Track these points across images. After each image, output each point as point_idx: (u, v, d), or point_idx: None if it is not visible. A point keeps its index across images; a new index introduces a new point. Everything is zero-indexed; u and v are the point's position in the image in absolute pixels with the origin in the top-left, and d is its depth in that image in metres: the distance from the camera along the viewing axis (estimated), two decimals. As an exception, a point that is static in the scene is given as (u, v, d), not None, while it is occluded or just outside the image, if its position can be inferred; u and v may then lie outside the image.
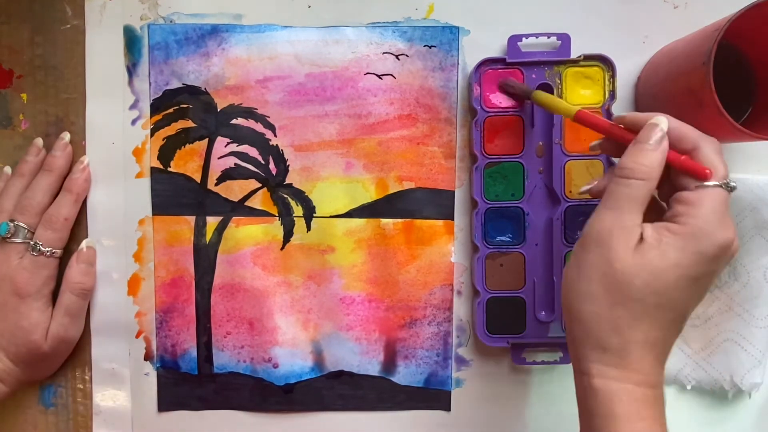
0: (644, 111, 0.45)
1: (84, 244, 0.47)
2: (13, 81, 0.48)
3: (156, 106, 0.47)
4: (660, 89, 0.44)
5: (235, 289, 0.48)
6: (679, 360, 0.47)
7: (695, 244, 0.32)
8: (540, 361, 0.47)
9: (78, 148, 0.47)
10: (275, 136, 0.47)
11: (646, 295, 0.32)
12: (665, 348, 0.34)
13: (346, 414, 0.48)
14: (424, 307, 0.48)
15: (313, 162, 0.47)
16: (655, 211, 0.35)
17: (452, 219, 0.47)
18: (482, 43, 0.46)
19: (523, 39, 0.45)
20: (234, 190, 0.48)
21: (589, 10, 0.46)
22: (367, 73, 0.47)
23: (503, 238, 0.46)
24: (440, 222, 0.47)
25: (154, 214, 0.48)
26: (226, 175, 0.47)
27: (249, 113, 0.47)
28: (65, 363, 0.48)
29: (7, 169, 0.48)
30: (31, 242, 0.45)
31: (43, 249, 0.45)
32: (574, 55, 0.45)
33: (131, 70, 0.47)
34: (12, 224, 0.44)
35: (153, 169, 0.47)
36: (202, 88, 0.47)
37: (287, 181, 0.47)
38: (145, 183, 0.48)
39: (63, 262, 0.47)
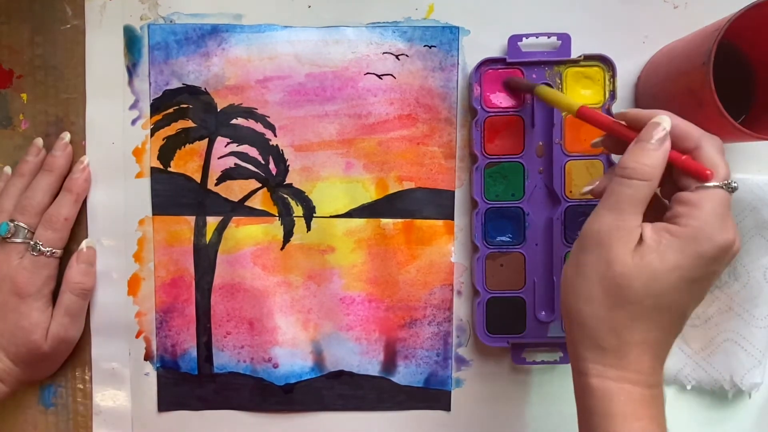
0: (644, 111, 0.45)
1: (84, 244, 0.47)
2: (13, 81, 0.48)
3: (156, 106, 0.47)
4: (660, 89, 0.44)
5: (235, 289, 0.48)
6: (679, 360, 0.47)
7: (695, 246, 0.32)
8: (540, 361, 0.47)
9: (78, 148, 0.48)
10: (275, 136, 0.47)
11: (644, 297, 0.32)
12: (664, 348, 0.34)
13: (346, 414, 0.48)
14: (424, 307, 0.48)
15: (313, 162, 0.47)
16: (658, 209, 0.35)
17: (452, 219, 0.47)
18: (482, 43, 0.46)
19: (524, 39, 0.45)
20: (234, 190, 0.48)
21: (589, 10, 0.46)
22: (367, 73, 0.47)
23: (503, 238, 0.46)
24: (440, 222, 0.47)
25: (154, 214, 0.48)
26: (226, 175, 0.47)
27: (249, 113, 0.47)
28: (65, 363, 0.48)
29: (7, 169, 0.48)
30: (32, 242, 0.45)
31: (43, 249, 0.45)
32: (574, 55, 0.45)
33: (131, 70, 0.47)
34: (12, 224, 0.44)
35: (153, 169, 0.47)
36: (202, 88, 0.47)
37: (287, 181, 0.47)
38: (145, 183, 0.48)
39: (63, 262, 0.47)
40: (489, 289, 0.46)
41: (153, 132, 0.47)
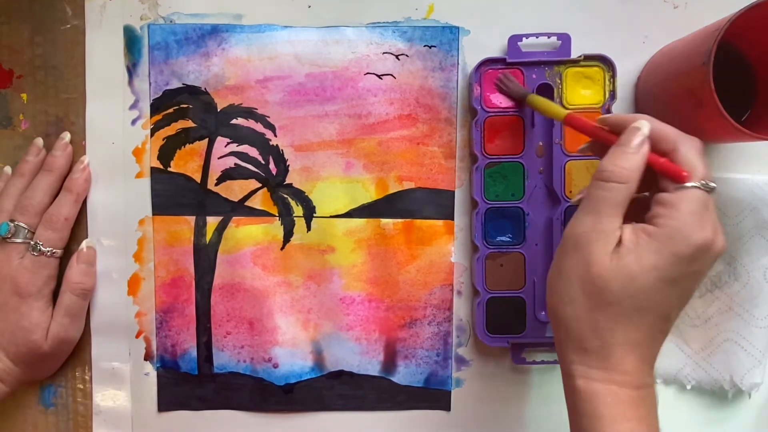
0: (644, 111, 0.45)
1: (84, 244, 0.47)
2: (13, 81, 0.48)
3: (156, 106, 0.47)
4: (660, 89, 0.44)
5: (235, 289, 0.48)
6: (679, 360, 0.47)
7: (671, 246, 0.32)
8: (540, 361, 0.47)
9: (78, 148, 0.48)
10: (275, 136, 0.47)
11: (623, 298, 0.33)
12: (650, 349, 0.34)
13: (346, 414, 0.48)
14: (424, 307, 0.48)
15: (313, 162, 0.47)
16: (645, 211, 0.35)
17: (452, 219, 0.47)
18: (482, 43, 0.46)
19: (524, 39, 0.45)
20: (234, 190, 0.48)
21: (589, 10, 0.46)
22: (367, 73, 0.47)
23: (503, 238, 0.46)
24: (440, 222, 0.47)
25: (154, 214, 0.48)
26: (226, 175, 0.47)
27: (249, 113, 0.47)
28: (65, 363, 0.48)
29: (7, 169, 0.48)
30: (32, 242, 0.45)
31: (43, 249, 0.45)
32: (574, 55, 0.45)
33: (131, 70, 0.47)
34: (12, 224, 0.44)
35: (153, 169, 0.47)
36: (202, 88, 0.47)
37: (287, 181, 0.47)
38: (145, 183, 0.48)
39: (63, 262, 0.47)
40: (489, 289, 0.46)
41: (153, 132, 0.47)
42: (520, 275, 0.46)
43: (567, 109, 0.45)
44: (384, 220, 0.47)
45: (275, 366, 0.48)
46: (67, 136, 0.47)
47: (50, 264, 0.45)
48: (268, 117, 0.47)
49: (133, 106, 0.47)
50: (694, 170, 0.33)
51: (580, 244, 0.34)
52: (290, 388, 0.48)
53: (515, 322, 0.46)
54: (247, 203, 0.48)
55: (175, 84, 0.47)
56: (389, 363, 0.48)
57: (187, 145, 0.47)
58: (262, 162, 0.47)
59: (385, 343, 0.48)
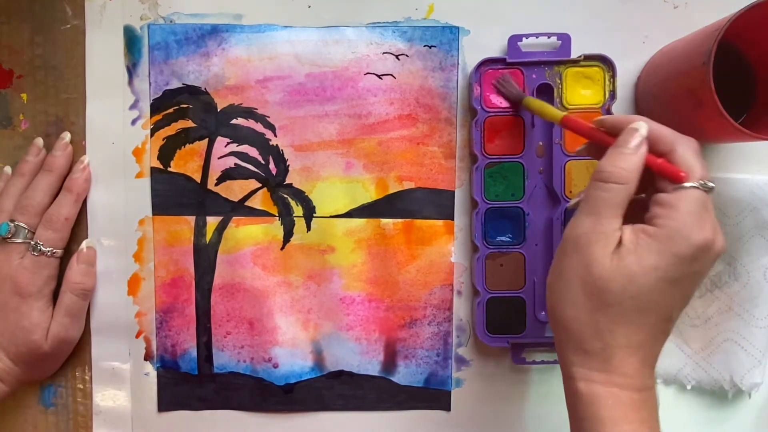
0: (644, 111, 0.45)
1: (84, 244, 0.47)
2: (13, 81, 0.48)
3: (156, 106, 0.47)
4: (660, 89, 0.44)
5: (235, 289, 0.48)
6: (679, 360, 0.47)
7: (671, 245, 0.32)
8: (540, 361, 0.47)
9: (78, 148, 0.48)
10: (275, 136, 0.47)
11: (624, 299, 0.33)
12: (651, 351, 0.34)
13: (346, 414, 0.48)
14: (424, 307, 0.48)
15: (313, 162, 0.47)
16: (644, 212, 0.35)
17: (452, 219, 0.47)
18: (482, 43, 0.46)
19: (523, 39, 0.45)
20: (234, 190, 0.48)
21: (589, 10, 0.46)
22: (367, 73, 0.47)
23: (503, 238, 0.46)
24: (440, 222, 0.47)
25: (154, 214, 0.48)
26: (226, 175, 0.47)
27: (249, 113, 0.47)
28: (65, 363, 0.48)
29: (7, 169, 0.48)
30: (32, 242, 0.45)
31: (43, 249, 0.45)
32: (574, 55, 0.45)
33: (131, 70, 0.47)
34: (12, 224, 0.44)
35: (153, 169, 0.48)
36: (202, 88, 0.47)
37: (287, 181, 0.47)
38: (145, 183, 0.48)
39: (63, 262, 0.47)
40: (489, 289, 0.46)
41: (153, 132, 0.47)
42: (520, 275, 0.46)
43: (567, 109, 0.45)
44: (384, 220, 0.47)
45: (275, 366, 0.48)
46: (67, 136, 0.47)
47: (50, 264, 0.45)
48: (268, 117, 0.47)
49: (133, 106, 0.47)
50: (692, 170, 0.33)
51: (580, 245, 0.34)
52: (290, 388, 0.48)
53: (515, 322, 0.46)
54: (247, 203, 0.48)
55: (175, 84, 0.47)
56: (389, 363, 0.48)
57: (187, 145, 0.47)
58: (262, 162, 0.47)
59: (385, 343, 0.48)
